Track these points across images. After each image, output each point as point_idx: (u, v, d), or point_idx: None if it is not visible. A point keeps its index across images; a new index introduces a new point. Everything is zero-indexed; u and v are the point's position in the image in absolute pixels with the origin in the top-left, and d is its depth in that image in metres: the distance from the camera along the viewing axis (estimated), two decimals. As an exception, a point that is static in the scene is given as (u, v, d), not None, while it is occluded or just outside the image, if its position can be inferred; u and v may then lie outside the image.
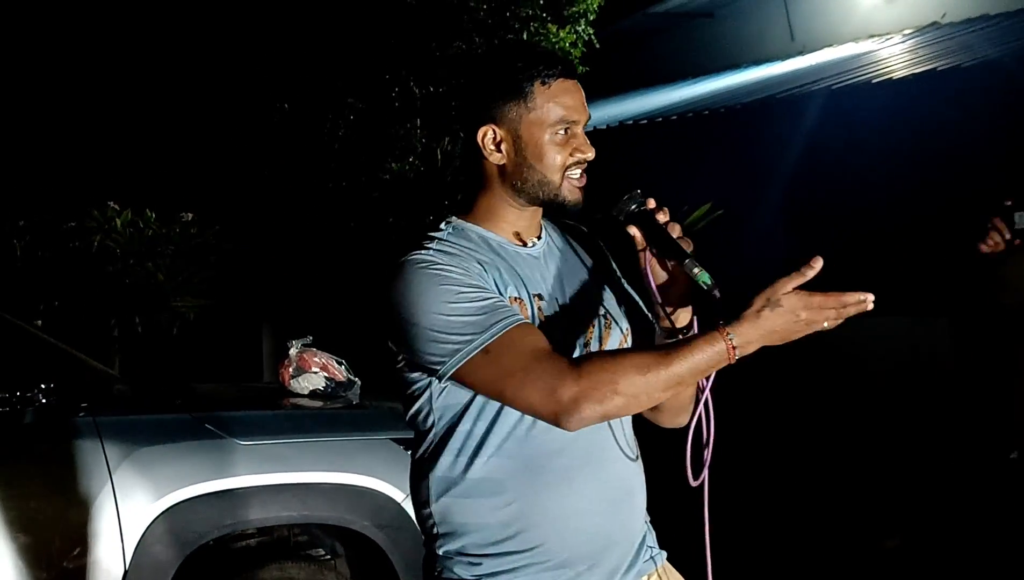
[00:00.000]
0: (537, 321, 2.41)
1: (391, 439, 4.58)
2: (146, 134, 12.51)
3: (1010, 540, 4.97)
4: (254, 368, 10.83)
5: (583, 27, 9.66)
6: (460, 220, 2.52)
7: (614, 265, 2.66)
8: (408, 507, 4.37)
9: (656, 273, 2.45)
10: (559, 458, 2.41)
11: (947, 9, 12.11)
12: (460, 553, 2.43)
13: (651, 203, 2.44)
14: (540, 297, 2.46)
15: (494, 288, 2.40)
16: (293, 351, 5.29)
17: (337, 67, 10.41)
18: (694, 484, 2.42)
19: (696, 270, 2.34)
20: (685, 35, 15.09)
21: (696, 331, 2.42)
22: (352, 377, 5.32)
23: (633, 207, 2.44)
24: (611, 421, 2.46)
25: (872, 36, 12.82)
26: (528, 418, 2.37)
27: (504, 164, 2.47)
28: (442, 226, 2.49)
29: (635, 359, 2.24)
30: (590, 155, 2.47)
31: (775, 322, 2.21)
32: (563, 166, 2.45)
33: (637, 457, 2.56)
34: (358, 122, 10.54)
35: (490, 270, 2.43)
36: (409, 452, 2.56)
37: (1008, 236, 4.51)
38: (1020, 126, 10.00)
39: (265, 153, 11.08)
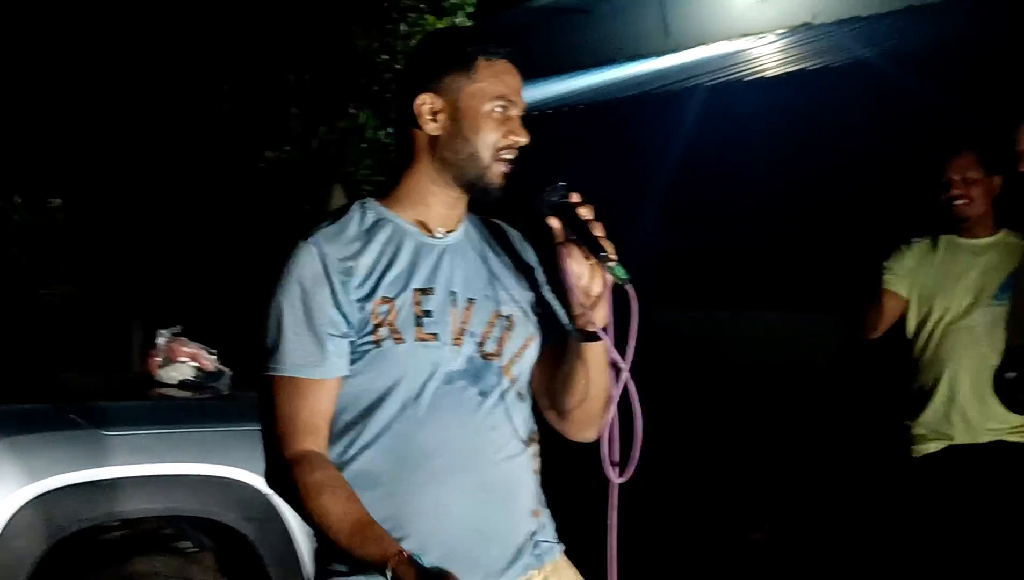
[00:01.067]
0: (412, 317, 2.38)
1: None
2: (15, 119, 12.22)
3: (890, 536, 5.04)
4: (123, 358, 10.65)
5: (461, 19, 9.67)
6: (374, 202, 2.49)
7: (536, 270, 2.63)
8: (276, 500, 4.32)
9: (574, 269, 2.41)
10: (436, 457, 2.38)
11: (819, 10, 12.32)
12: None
13: (574, 197, 2.42)
14: (427, 291, 2.42)
15: (364, 289, 2.39)
16: (162, 341, 5.21)
17: (213, 54, 10.27)
18: (617, 480, 2.43)
19: (611, 264, 2.34)
20: (561, 30, 15.15)
21: (609, 332, 2.42)
22: (222, 367, 5.25)
23: (555, 198, 2.41)
24: (496, 419, 2.44)
25: (745, 35, 13.00)
26: (406, 413, 2.37)
27: (438, 135, 2.43)
28: (352, 208, 2.48)
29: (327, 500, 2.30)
30: (524, 140, 2.48)
31: None
32: (496, 145, 2.44)
33: (526, 453, 2.52)
34: (233, 110, 10.42)
35: (375, 264, 2.40)
36: None
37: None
38: (890, 124, 10.23)
39: (139, 140, 10.90)
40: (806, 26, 12.44)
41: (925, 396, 4.73)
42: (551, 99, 12.58)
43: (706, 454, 8.71)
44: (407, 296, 2.40)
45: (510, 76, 2.47)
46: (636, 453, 2.38)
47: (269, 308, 2.39)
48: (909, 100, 9.70)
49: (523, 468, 2.51)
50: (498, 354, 2.46)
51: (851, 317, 4.99)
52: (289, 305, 2.36)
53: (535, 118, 11.81)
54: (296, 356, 2.36)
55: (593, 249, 2.36)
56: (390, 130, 9.70)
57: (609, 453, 2.42)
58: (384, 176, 8.92)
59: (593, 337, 2.41)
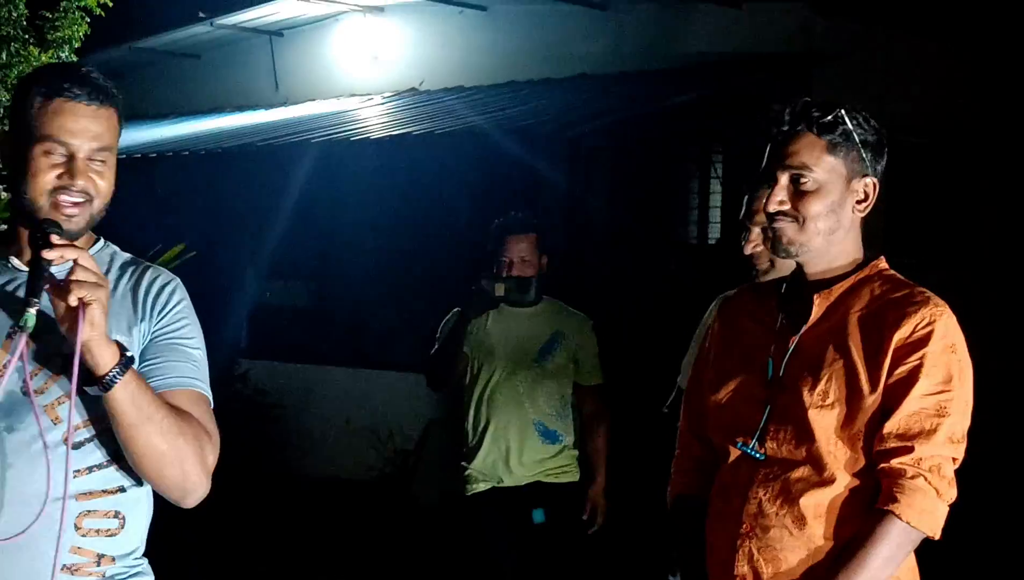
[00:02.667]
0: None
1: None
2: None
3: None
4: None
5: (67, 53, 9.37)
6: None
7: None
8: None
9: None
10: None
11: (425, 77, 12.70)
12: None
13: (54, 238, 2.29)
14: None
15: None
16: None
17: None
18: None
19: (30, 311, 2.19)
20: (171, 73, 14.94)
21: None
22: None
23: (38, 235, 2.30)
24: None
25: (354, 95, 13.22)
26: None
27: (7, 173, 2.37)
28: None
29: None
30: (79, 184, 2.36)
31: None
32: (47, 187, 2.35)
33: (64, 497, 2.30)
34: None
35: None
36: None
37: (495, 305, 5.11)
38: (490, 187, 10.64)
39: None
40: (412, 91, 12.80)
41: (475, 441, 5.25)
42: (157, 142, 12.36)
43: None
44: None
45: (68, 116, 2.36)
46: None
47: None
48: (510, 168, 10.15)
49: (51, 514, 2.31)
50: (41, 391, 2.34)
51: (431, 371, 5.40)
52: None
53: (139, 160, 11.60)
54: None
55: (29, 291, 2.22)
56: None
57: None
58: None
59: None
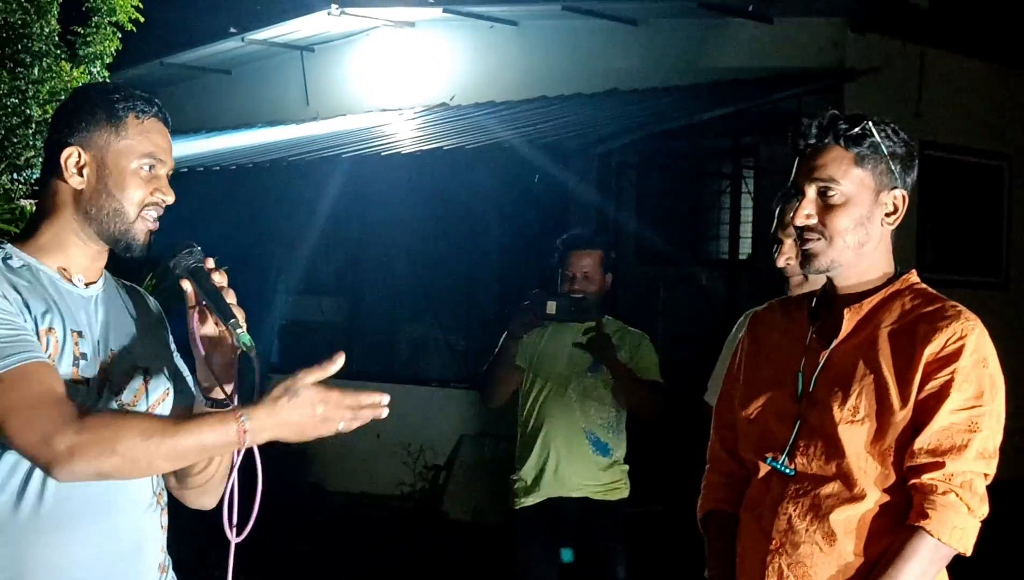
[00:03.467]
0: (71, 356, 2.33)
1: None
2: None
3: None
4: None
5: (98, 69, 9.42)
6: (14, 248, 2.41)
7: (167, 334, 2.60)
8: None
9: (205, 333, 2.41)
10: (64, 504, 2.30)
11: (456, 92, 12.73)
12: None
13: (209, 262, 2.42)
14: (81, 335, 2.37)
15: (27, 318, 2.30)
16: None
17: None
18: (235, 540, 2.41)
19: (239, 331, 2.33)
20: (202, 88, 15.02)
21: (234, 399, 2.39)
22: None
23: (191, 262, 2.41)
24: None
25: (385, 110, 13.26)
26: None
27: (83, 189, 2.40)
28: None
29: (143, 424, 2.19)
30: (170, 199, 2.46)
31: (291, 414, 2.22)
32: (142, 202, 2.42)
33: (157, 506, 2.47)
34: None
35: (29, 298, 2.32)
36: None
37: (542, 323, 5.07)
38: (520, 203, 10.65)
39: None
40: (443, 106, 12.82)
41: (526, 453, 5.20)
42: (189, 158, 12.42)
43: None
44: (67, 337, 2.35)
45: (158, 135, 2.48)
46: (254, 515, 2.38)
47: None
48: (541, 183, 10.15)
49: (153, 521, 2.47)
50: (134, 404, 2.43)
51: (480, 387, 5.45)
52: None
53: (171, 176, 11.66)
54: (19, 347, 2.24)
55: (223, 315, 2.36)
56: (15, 176, 9.34)
57: (228, 515, 2.39)
58: (12, 223, 8.57)
59: (221, 403, 2.40)
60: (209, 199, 11.63)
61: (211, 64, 14.60)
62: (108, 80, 9.93)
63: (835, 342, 2.75)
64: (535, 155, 9.45)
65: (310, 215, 11.10)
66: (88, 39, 8.83)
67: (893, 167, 2.72)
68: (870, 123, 2.71)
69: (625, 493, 5.20)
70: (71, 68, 8.81)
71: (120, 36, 8.89)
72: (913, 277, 2.80)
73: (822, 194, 2.72)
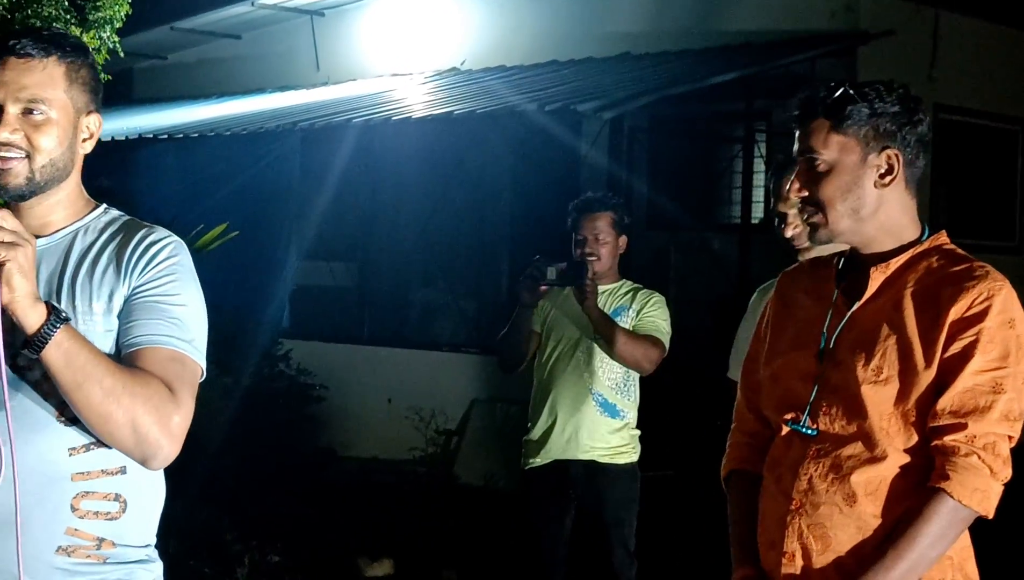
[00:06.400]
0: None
1: None
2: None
3: None
4: None
5: (108, 34, 9.40)
6: None
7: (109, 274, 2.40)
8: None
9: None
10: None
11: (467, 56, 12.68)
12: None
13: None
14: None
15: None
16: None
17: None
18: None
19: None
20: (212, 53, 14.99)
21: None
22: None
23: None
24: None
25: (396, 75, 13.22)
26: None
27: None
28: None
29: None
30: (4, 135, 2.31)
31: None
32: None
33: (66, 479, 2.31)
34: None
35: None
36: None
37: (544, 288, 5.15)
38: (531, 167, 10.63)
39: None
40: (453, 70, 12.78)
41: (536, 415, 5.28)
42: (199, 123, 12.39)
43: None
44: None
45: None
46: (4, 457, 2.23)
47: None
48: (551, 148, 10.13)
49: (55, 495, 2.33)
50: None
51: (498, 354, 5.50)
52: None
53: (180, 141, 11.65)
54: None
55: None
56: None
57: None
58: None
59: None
60: (220, 164, 11.62)
61: (221, 29, 14.55)
62: (119, 46, 9.93)
63: (860, 301, 2.73)
64: (546, 119, 9.42)
65: (320, 180, 11.08)
66: (98, 4, 8.80)
67: (882, 127, 2.70)
68: (849, 88, 2.71)
69: (634, 457, 5.24)
70: (81, 33, 8.79)
71: (130, 1, 8.87)
72: (942, 238, 2.78)
73: (809, 165, 2.72)
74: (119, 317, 2.34)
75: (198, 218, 10.78)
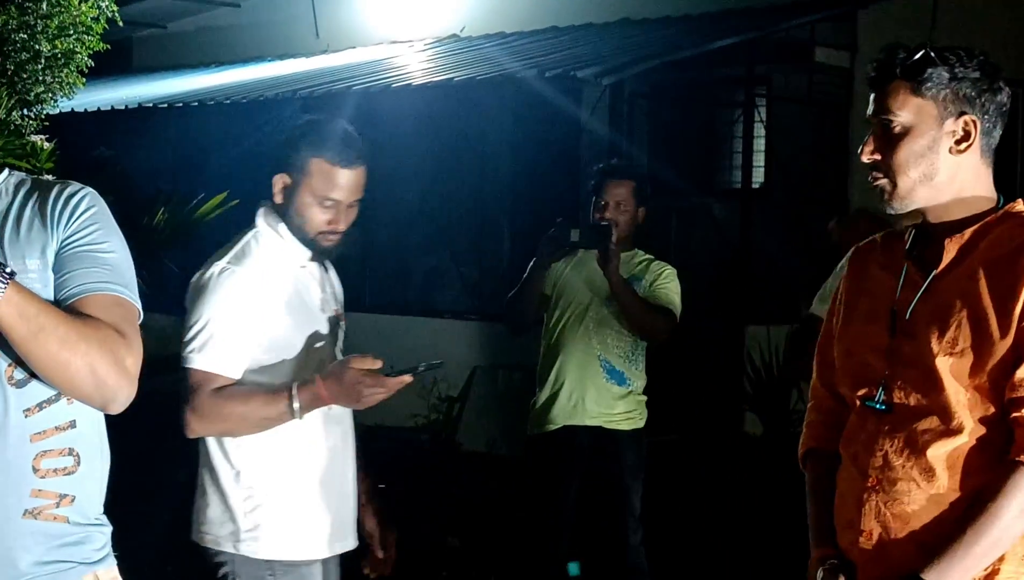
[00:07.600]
0: None
1: None
2: None
3: None
4: None
5: (107, 3, 9.39)
6: None
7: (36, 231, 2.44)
8: None
9: None
10: None
11: (466, 23, 12.64)
12: None
13: None
14: None
15: None
16: None
17: None
18: None
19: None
20: (211, 21, 14.94)
21: None
22: None
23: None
24: None
25: (395, 42, 13.18)
26: None
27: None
28: None
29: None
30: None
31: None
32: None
33: (26, 442, 2.35)
34: None
35: None
36: None
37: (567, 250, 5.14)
38: (531, 134, 10.61)
39: None
40: (453, 37, 12.74)
41: (543, 380, 5.27)
42: (198, 91, 12.37)
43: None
44: None
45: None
46: None
47: None
48: (551, 114, 10.11)
49: (19, 455, 2.37)
50: None
51: (506, 315, 5.47)
52: None
53: (179, 109, 11.63)
54: None
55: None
56: (25, 112, 9.33)
57: None
58: (23, 159, 8.55)
59: None
60: (219, 133, 11.62)
61: (219, -3, 14.51)
62: (117, 15, 9.88)
63: (934, 272, 2.67)
64: (546, 86, 9.40)
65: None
66: (96, -27, 8.79)
67: (961, 92, 2.65)
68: (930, 50, 2.65)
69: (640, 423, 5.24)
70: (79, 2, 8.78)
71: (128, -30, 8.84)
72: (1018, 206, 2.73)
73: (884, 128, 2.65)
74: (53, 270, 2.37)
75: (198, 187, 10.82)
